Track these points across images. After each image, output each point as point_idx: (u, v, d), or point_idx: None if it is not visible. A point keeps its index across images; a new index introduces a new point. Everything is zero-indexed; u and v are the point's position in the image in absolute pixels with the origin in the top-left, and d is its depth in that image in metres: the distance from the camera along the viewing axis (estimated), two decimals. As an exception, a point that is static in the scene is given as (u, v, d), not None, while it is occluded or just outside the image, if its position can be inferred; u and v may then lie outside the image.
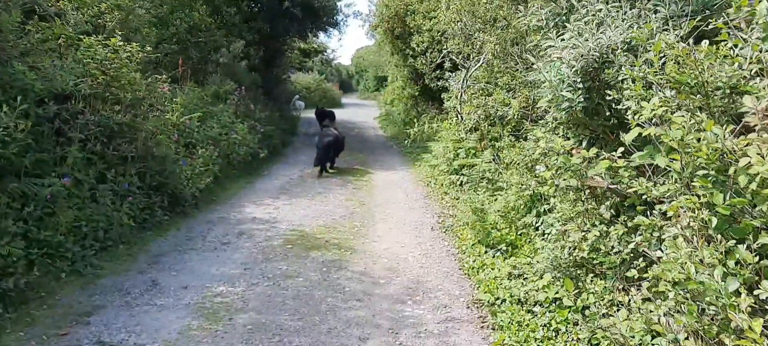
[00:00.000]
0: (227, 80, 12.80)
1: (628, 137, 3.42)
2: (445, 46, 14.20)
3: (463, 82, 9.94)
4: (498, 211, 7.05)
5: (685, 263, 2.74)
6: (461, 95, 9.80)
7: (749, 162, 2.58)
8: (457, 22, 10.25)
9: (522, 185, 6.55)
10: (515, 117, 7.89)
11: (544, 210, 6.57)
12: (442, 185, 10.33)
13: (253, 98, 14.03)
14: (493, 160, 8.39)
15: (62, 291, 4.97)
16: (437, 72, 17.08)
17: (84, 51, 6.90)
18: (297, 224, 7.72)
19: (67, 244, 5.31)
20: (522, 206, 6.87)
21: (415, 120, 19.25)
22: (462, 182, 9.31)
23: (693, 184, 2.91)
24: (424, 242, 7.27)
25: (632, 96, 3.63)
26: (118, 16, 8.65)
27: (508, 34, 8.55)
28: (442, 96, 17.34)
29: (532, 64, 7.43)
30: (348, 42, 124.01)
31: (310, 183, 10.81)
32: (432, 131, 12.87)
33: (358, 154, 14.87)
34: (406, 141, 13.21)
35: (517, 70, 8.39)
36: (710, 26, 4.70)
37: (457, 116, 10.11)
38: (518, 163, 7.64)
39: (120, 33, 7.95)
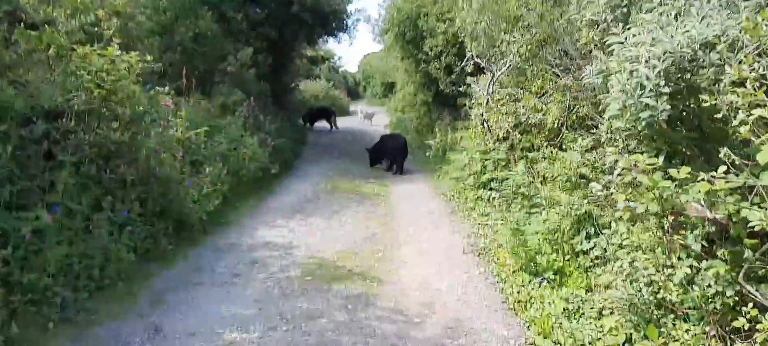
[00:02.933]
0: (235, 91, 12.08)
1: (761, 157, 2.65)
2: (465, 49, 13.50)
3: (489, 86, 9.18)
4: (541, 232, 6.29)
5: None
6: (487, 102, 9.04)
7: None
8: (480, 22, 9.50)
9: (572, 204, 5.78)
10: (554, 125, 7.12)
11: (595, 232, 5.84)
12: (466, 199, 9.57)
13: (263, 109, 13.31)
14: (528, 173, 7.63)
15: (49, 345, 4.25)
16: (452, 76, 16.39)
17: (77, 62, 6.20)
18: (315, 250, 6.97)
19: (55, 287, 4.57)
20: (568, 228, 6.11)
21: (430, 128, 18.52)
22: (491, 197, 8.54)
23: None
24: (457, 268, 6.52)
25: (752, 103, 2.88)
26: (116, 23, 7.94)
27: (539, 34, 7.80)
28: (457, 102, 16.64)
29: (578, 65, 6.70)
30: (354, 49, 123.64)
31: (325, 200, 10.07)
32: (453, 141, 12.13)
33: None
34: (428, 153, 12.44)
35: (552, 72, 7.65)
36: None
37: (482, 125, 9.35)
38: (558, 178, 6.89)
39: (119, 42, 7.28)
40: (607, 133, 5.24)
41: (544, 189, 7.08)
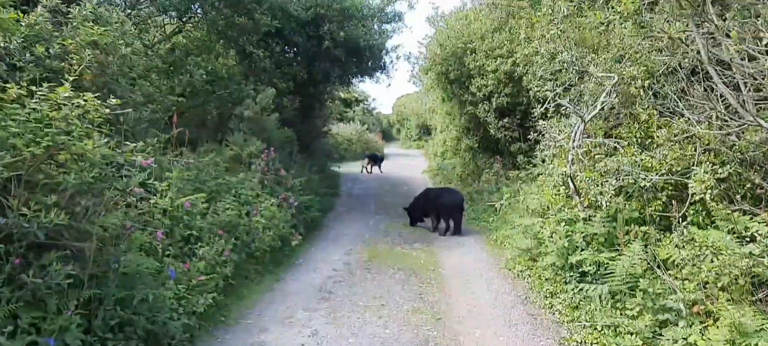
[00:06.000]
0: (253, 139, 10.10)
1: None
2: (524, 88, 11.38)
3: (575, 135, 6.97)
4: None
5: None
6: (576, 154, 6.81)
7: None
8: (561, 52, 7.35)
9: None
10: (709, 194, 4.84)
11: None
12: (540, 277, 7.30)
13: (287, 159, 11.31)
14: (647, 259, 5.36)
15: None
16: (506, 120, 14.29)
17: (7, 109, 4.27)
18: (347, 375, 4.81)
19: None
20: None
21: (476, 177, 16.31)
22: (589, 290, 6.21)
23: None
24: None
25: None
26: (89, 56, 6.04)
27: (661, 64, 5.64)
28: (510, 148, 14.48)
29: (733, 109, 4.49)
30: (388, 90, 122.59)
31: (360, 277, 7.90)
32: (515, 199, 9.89)
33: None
34: (492, 219, 10.23)
35: (681, 118, 5.45)
36: None
37: (565, 184, 7.12)
38: (719, 278, 4.61)
39: (87, 78, 5.42)
40: None
41: (678, 286, 4.80)
